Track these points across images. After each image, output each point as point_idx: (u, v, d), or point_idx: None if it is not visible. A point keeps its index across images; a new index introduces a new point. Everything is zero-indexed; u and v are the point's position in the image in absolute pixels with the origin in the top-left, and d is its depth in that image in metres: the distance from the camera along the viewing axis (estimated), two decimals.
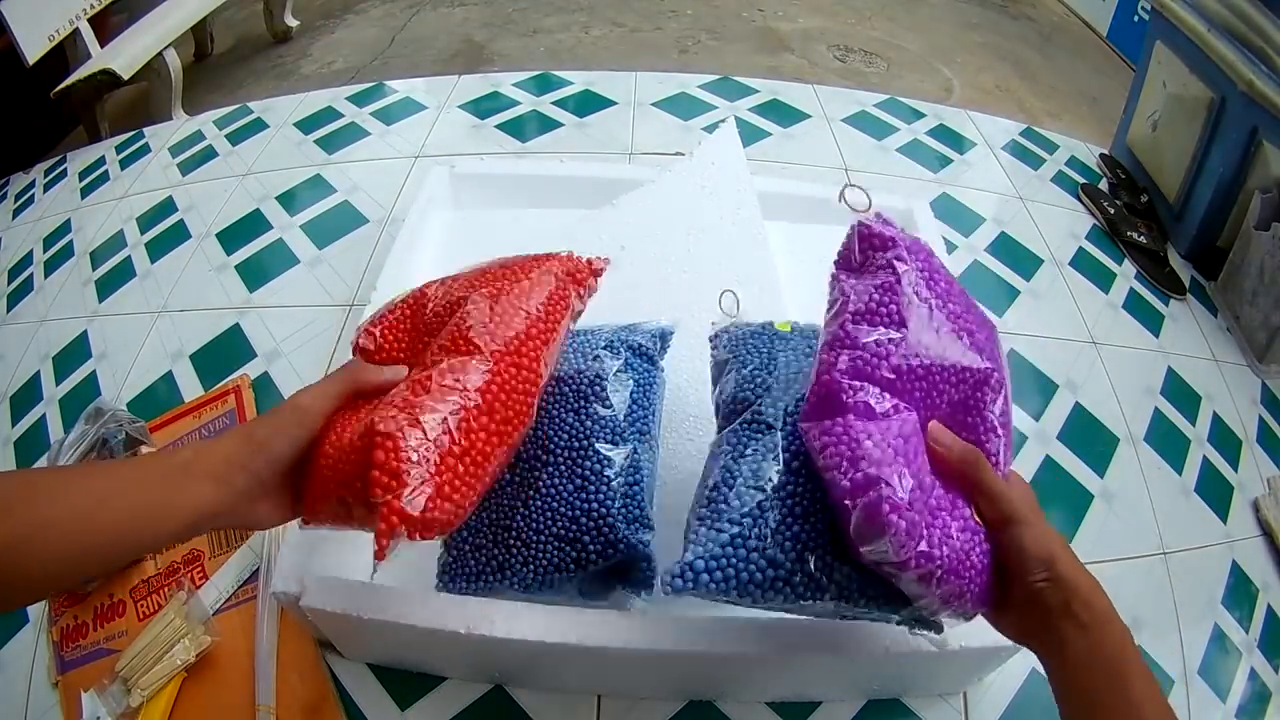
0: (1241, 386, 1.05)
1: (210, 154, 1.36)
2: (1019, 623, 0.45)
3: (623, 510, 0.57)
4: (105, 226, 1.25)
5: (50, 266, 1.22)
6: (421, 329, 0.56)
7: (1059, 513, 0.84)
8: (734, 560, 0.46)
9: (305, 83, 2.62)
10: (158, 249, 1.16)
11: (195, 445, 0.47)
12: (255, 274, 1.08)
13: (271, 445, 0.47)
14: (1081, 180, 1.32)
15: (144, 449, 0.84)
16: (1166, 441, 0.94)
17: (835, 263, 0.49)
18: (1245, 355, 1.10)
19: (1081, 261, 1.16)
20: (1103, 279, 1.14)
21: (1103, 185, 1.34)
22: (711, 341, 0.64)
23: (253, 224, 1.17)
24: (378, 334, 0.57)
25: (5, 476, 0.45)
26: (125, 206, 1.28)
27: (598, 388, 0.60)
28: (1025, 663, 0.70)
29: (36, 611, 0.77)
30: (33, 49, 1.90)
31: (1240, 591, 0.83)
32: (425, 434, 0.44)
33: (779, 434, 0.50)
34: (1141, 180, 1.34)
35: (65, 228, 1.29)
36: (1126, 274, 1.16)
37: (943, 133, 1.38)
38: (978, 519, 0.45)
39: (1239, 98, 1.12)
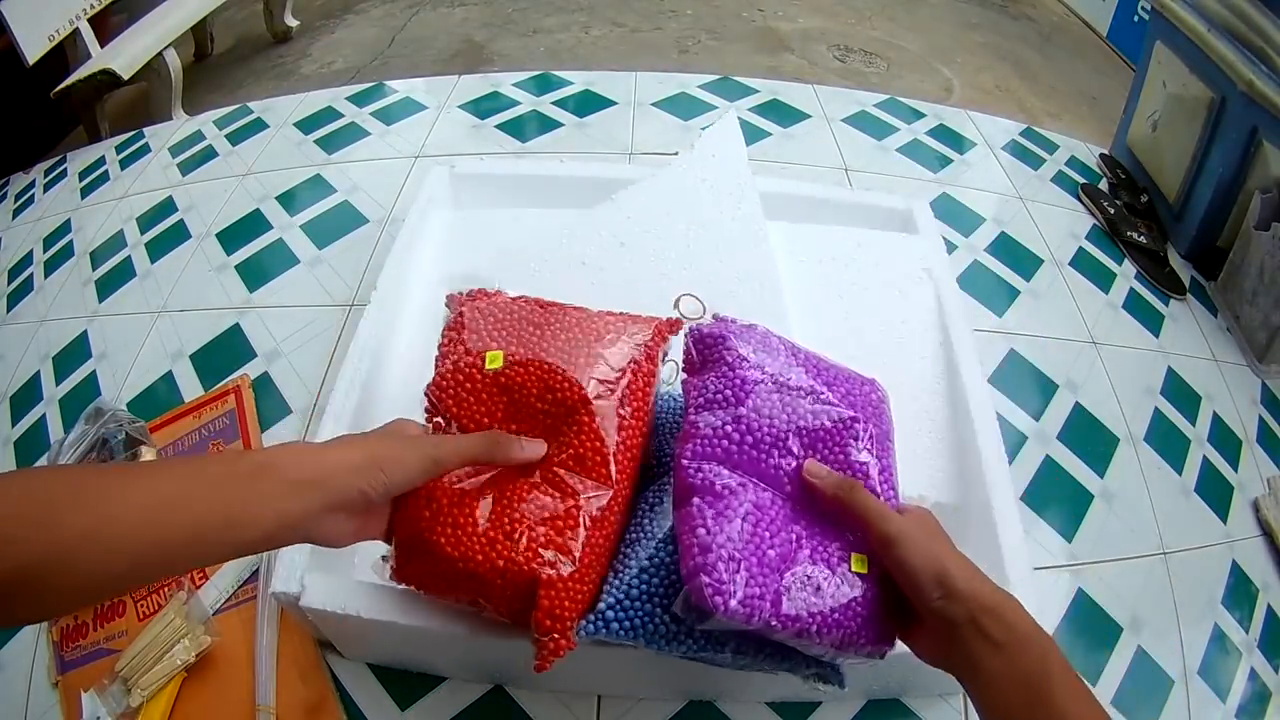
0: (1241, 386, 1.05)
1: (210, 154, 1.36)
2: (931, 645, 0.44)
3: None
4: (105, 226, 1.25)
5: (50, 266, 1.22)
6: (501, 396, 0.54)
7: (1059, 513, 0.84)
8: (639, 611, 0.49)
9: (305, 83, 2.62)
10: (158, 249, 1.16)
11: (287, 447, 0.42)
12: (255, 274, 1.08)
13: (392, 475, 0.44)
14: (1081, 180, 1.32)
15: (144, 449, 0.84)
16: (1166, 441, 0.94)
17: (683, 371, 0.55)
18: (1245, 355, 1.10)
19: (1081, 261, 1.16)
20: (1103, 279, 1.14)
21: (1103, 185, 1.34)
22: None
23: (253, 224, 1.16)
24: (454, 405, 0.54)
25: (52, 475, 0.40)
26: (125, 206, 1.28)
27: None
28: None
29: None
30: (33, 49, 1.90)
31: (1240, 591, 0.83)
32: (575, 567, 0.47)
33: None
34: (1141, 180, 1.34)
35: (65, 228, 1.29)
36: (1126, 274, 1.16)
37: (943, 133, 1.38)
38: (855, 565, 0.46)
39: (1239, 98, 1.12)
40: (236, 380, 0.92)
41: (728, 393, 0.50)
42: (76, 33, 2.05)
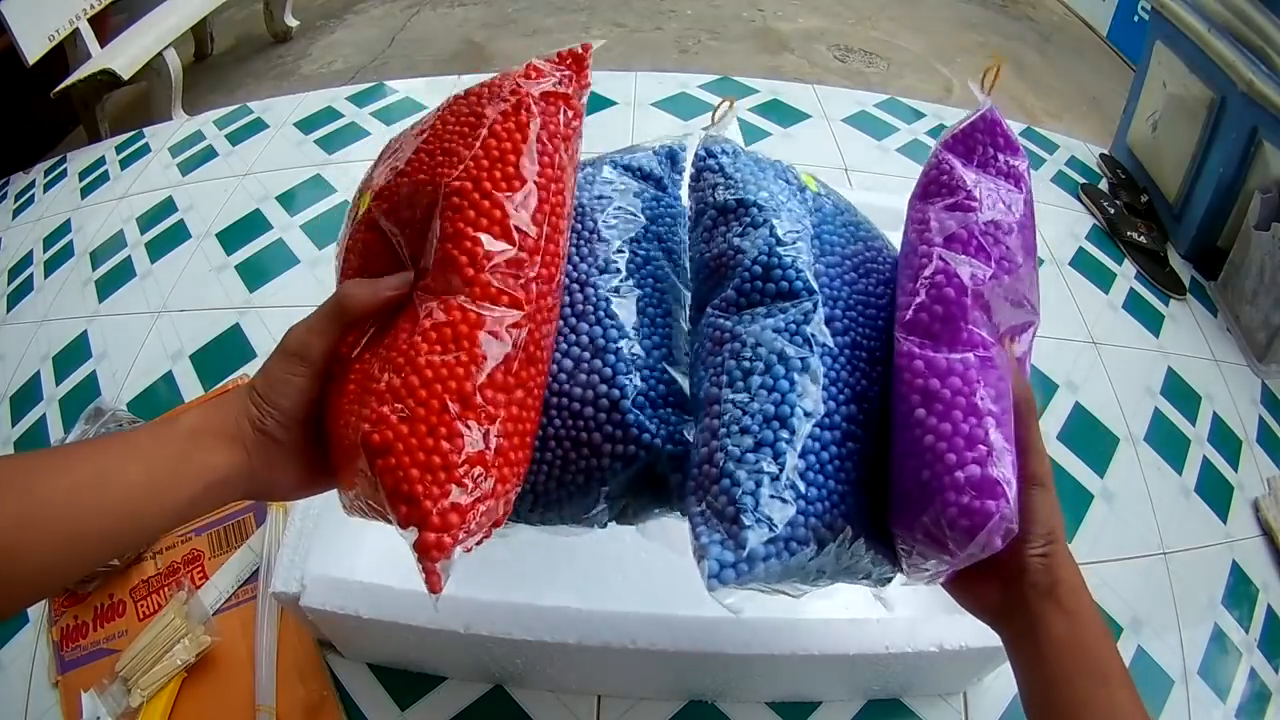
0: (1241, 386, 1.05)
1: (210, 154, 1.36)
2: (987, 594, 0.40)
3: (643, 389, 0.41)
4: (105, 226, 1.25)
5: (50, 266, 1.22)
6: (379, 240, 0.43)
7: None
8: (794, 535, 0.35)
9: (305, 83, 2.62)
10: (158, 249, 1.16)
11: (200, 408, 0.40)
12: (255, 274, 1.08)
13: (276, 399, 0.39)
14: (1081, 180, 1.32)
15: None
16: (1166, 441, 0.94)
17: (945, 142, 0.43)
18: (1245, 355, 1.10)
19: (1081, 261, 1.16)
20: (1103, 279, 1.14)
21: (1103, 185, 1.34)
22: (702, 163, 0.48)
23: (253, 224, 1.16)
24: (354, 256, 0.44)
25: (4, 460, 0.40)
26: (125, 206, 1.28)
27: (588, 221, 0.46)
28: None
29: (36, 611, 0.77)
30: (33, 49, 1.90)
31: (1240, 591, 0.83)
32: (442, 427, 0.33)
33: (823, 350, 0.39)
34: (1141, 180, 1.34)
35: (65, 228, 1.29)
36: (1126, 274, 1.16)
37: (943, 133, 1.37)
38: None
39: (1239, 98, 1.12)
40: (236, 380, 0.92)
41: (1013, 228, 0.39)
42: (76, 33, 2.05)
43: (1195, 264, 1.23)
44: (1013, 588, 0.39)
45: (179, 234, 1.18)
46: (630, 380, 0.41)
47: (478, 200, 0.37)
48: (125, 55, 2.05)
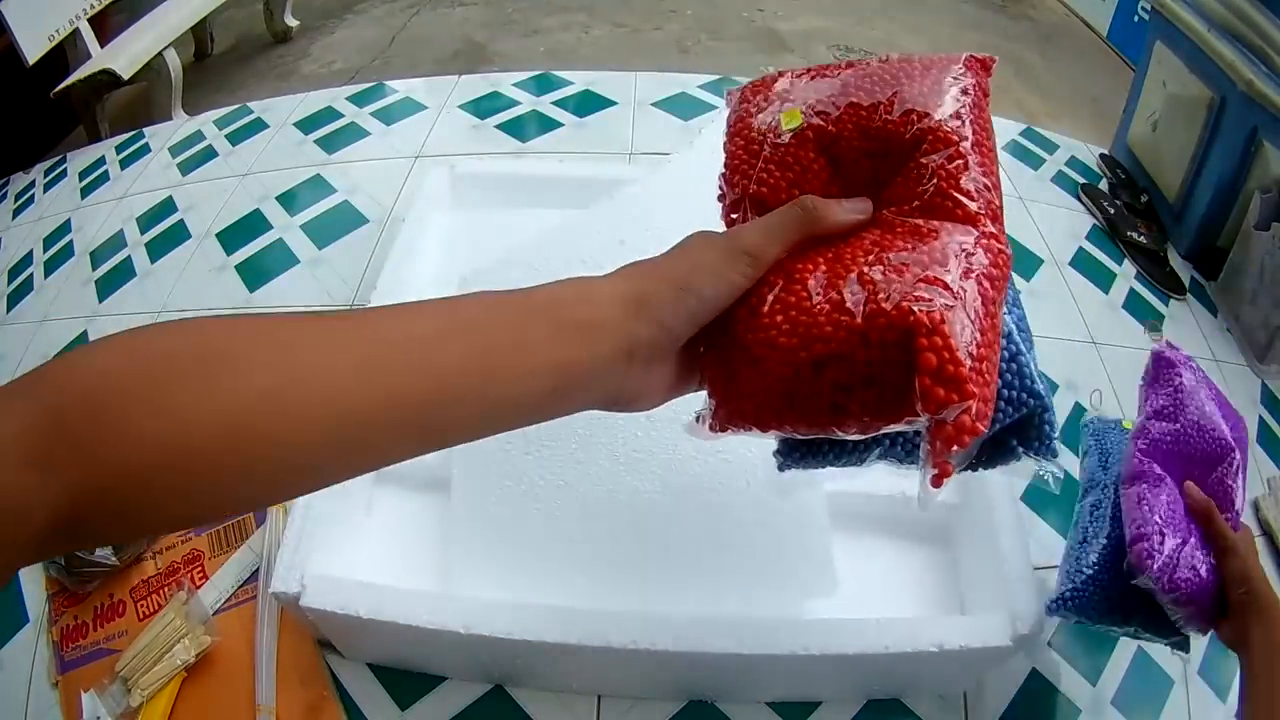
0: (1241, 386, 1.05)
1: (210, 154, 1.36)
2: (1231, 630, 0.56)
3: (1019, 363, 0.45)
4: (105, 226, 1.25)
5: (50, 266, 1.22)
6: (812, 156, 0.42)
7: (1059, 513, 0.84)
8: (1090, 594, 0.61)
9: (305, 83, 2.62)
10: (158, 249, 1.16)
11: (564, 282, 0.34)
12: (255, 274, 1.08)
13: (701, 289, 0.34)
14: (1081, 180, 1.32)
15: None
16: None
17: (1142, 377, 0.68)
18: (1245, 355, 1.10)
19: (1081, 261, 1.16)
20: (1103, 279, 1.14)
21: (1103, 185, 1.34)
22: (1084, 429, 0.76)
23: (253, 224, 1.17)
24: (779, 170, 0.42)
25: (227, 326, 0.28)
26: (125, 206, 1.28)
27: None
28: (1026, 662, 0.70)
29: (36, 611, 0.77)
30: (33, 49, 1.91)
31: None
32: (970, 323, 0.33)
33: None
34: (1141, 180, 1.34)
35: (65, 228, 1.29)
36: (1126, 274, 1.16)
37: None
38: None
39: (1239, 98, 1.12)
40: None
41: (1173, 409, 0.65)
42: (76, 33, 2.06)
43: (1195, 264, 1.23)
44: (1237, 621, 0.55)
45: (179, 234, 1.18)
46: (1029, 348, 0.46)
47: (978, 158, 0.39)
48: (125, 55, 2.06)
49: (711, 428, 0.38)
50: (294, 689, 0.66)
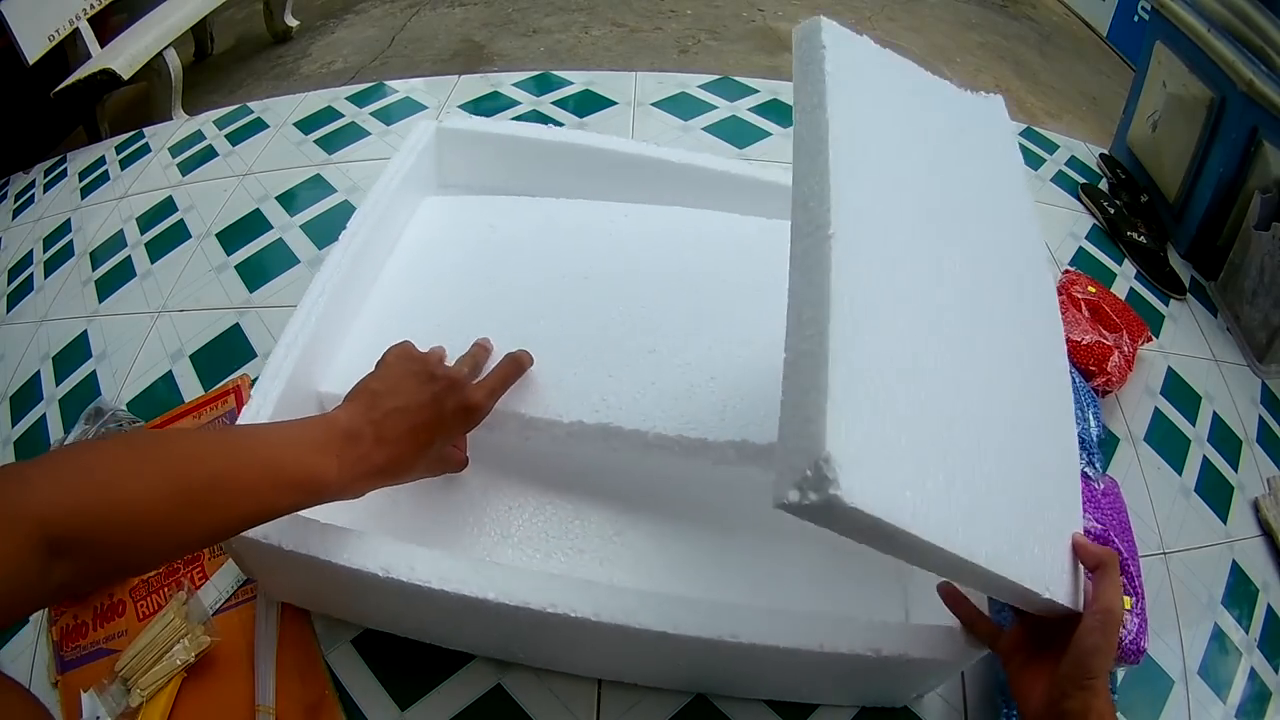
0: (1241, 386, 1.05)
1: (210, 154, 1.36)
2: (1037, 702, 0.49)
3: None
4: (105, 226, 1.25)
5: (50, 266, 1.22)
6: None
7: None
8: None
9: (305, 83, 2.62)
10: (158, 249, 1.16)
11: (299, 437, 0.50)
12: (255, 274, 1.08)
13: (412, 471, 0.57)
14: (1081, 180, 1.32)
15: None
16: (1166, 441, 0.94)
17: None
18: (1245, 355, 1.10)
19: (1081, 261, 1.16)
20: (1103, 279, 1.14)
21: (1103, 185, 1.34)
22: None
23: (253, 224, 1.16)
24: None
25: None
26: (125, 206, 1.28)
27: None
28: None
29: (36, 611, 0.77)
30: (33, 49, 1.90)
31: (1240, 591, 0.83)
32: None
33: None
34: (1141, 180, 1.34)
35: (65, 228, 1.29)
36: (1126, 274, 1.16)
37: None
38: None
39: (1239, 98, 1.12)
40: (236, 380, 0.92)
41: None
42: (76, 33, 2.05)
43: (1195, 264, 1.23)
44: (1050, 703, 0.45)
45: (179, 234, 1.18)
46: None
47: None
48: (125, 55, 2.05)
49: None
50: (294, 689, 0.66)
